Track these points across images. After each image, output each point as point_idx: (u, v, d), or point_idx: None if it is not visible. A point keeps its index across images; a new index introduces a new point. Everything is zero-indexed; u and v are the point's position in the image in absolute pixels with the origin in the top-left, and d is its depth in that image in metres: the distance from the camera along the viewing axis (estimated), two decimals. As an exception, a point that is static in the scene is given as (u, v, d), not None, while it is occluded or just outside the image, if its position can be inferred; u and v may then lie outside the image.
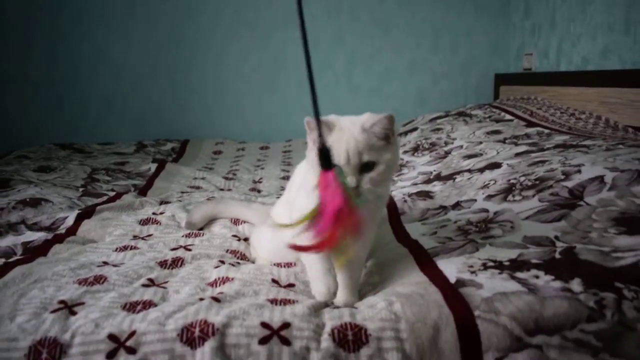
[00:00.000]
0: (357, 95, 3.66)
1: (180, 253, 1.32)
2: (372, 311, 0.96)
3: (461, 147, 2.38)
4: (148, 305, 1.01)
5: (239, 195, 2.04)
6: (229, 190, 2.23)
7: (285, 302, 1.01)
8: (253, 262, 1.38)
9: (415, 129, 2.93)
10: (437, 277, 1.09)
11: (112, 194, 1.92)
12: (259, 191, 2.22)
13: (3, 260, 1.27)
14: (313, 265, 1.09)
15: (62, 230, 1.52)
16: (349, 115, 1.12)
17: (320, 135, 0.99)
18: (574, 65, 3.08)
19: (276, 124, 3.59)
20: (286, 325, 0.93)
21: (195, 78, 3.57)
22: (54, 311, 0.98)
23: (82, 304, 1.01)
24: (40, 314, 0.97)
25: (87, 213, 1.62)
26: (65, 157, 2.71)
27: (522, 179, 1.65)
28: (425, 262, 1.20)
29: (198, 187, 2.26)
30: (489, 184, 1.73)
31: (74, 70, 3.49)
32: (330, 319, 0.95)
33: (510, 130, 2.49)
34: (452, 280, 1.06)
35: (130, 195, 1.89)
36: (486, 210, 1.53)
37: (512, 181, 1.67)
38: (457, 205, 1.66)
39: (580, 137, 2.12)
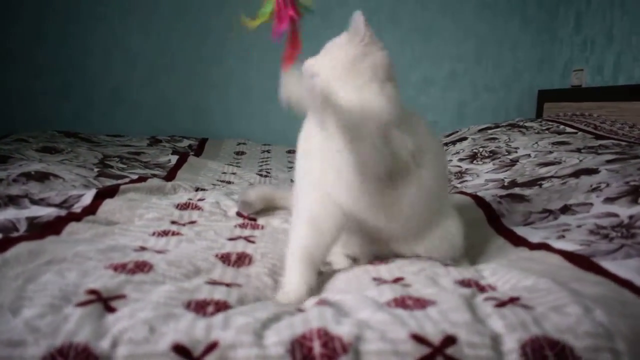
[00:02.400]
0: (394, 104, 3.34)
1: (241, 246, 0.98)
2: (563, 319, 0.64)
3: (529, 155, 2.15)
4: (223, 307, 0.67)
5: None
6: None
7: (418, 303, 0.68)
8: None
9: (464, 139, 2.67)
10: (619, 280, 0.81)
11: (134, 176, 1.57)
12: (300, 190, 1.88)
13: (0, 235, 0.92)
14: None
15: (77, 209, 1.17)
16: None
17: None
18: (635, 80, 2.82)
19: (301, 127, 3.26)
20: (450, 339, 0.59)
21: (217, 74, 3.24)
22: (81, 304, 0.64)
23: (123, 296, 0.68)
24: (59, 306, 0.64)
25: (108, 191, 1.27)
26: (72, 143, 2.37)
27: (645, 180, 1.36)
28: (587, 263, 0.91)
29: (229, 182, 1.92)
30: (599, 187, 1.43)
31: (84, 56, 3.15)
32: (509, 329, 0.62)
33: (579, 141, 2.27)
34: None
35: (157, 180, 1.55)
36: (615, 215, 1.25)
37: (632, 183, 1.38)
38: (567, 209, 1.37)
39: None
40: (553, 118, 2.90)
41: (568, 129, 2.57)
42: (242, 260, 0.91)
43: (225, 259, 0.89)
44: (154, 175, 1.86)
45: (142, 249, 0.89)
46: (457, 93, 3.48)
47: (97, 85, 3.17)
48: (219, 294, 0.72)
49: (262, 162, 2.49)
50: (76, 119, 3.12)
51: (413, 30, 3.38)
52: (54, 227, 1.01)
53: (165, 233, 1.02)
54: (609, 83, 3.03)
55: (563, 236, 1.14)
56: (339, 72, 0.94)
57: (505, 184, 1.82)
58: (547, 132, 2.58)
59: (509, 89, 3.54)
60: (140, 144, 2.66)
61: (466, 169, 2.17)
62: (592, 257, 0.95)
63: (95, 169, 1.68)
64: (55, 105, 3.12)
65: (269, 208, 1.28)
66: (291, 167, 2.36)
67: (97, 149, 2.27)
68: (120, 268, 0.75)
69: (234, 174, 2.05)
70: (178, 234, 1.02)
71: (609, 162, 1.75)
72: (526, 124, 2.77)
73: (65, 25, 3.12)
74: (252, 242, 1.02)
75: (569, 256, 0.96)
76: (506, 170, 2.02)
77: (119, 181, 1.48)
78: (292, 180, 2.03)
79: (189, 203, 1.26)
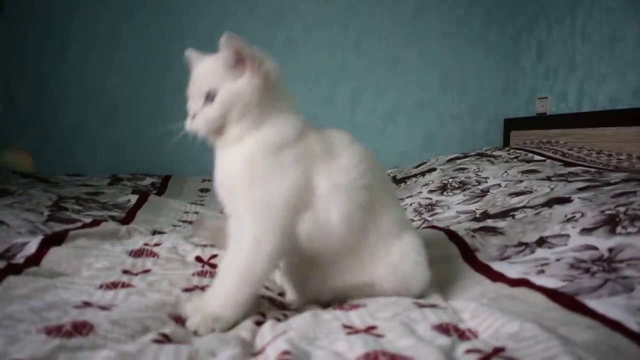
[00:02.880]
0: (360, 134, 3.28)
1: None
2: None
3: (499, 185, 2.13)
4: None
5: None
6: (230, 226, 1.81)
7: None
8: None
9: (433, 169, 2.63)
10: (609, 322, 0.76)
11: (87, 220, 1.46)
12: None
13: None
14: None
15: (19, 259, 1.07)
16: None
17: None
18: (599, 106, 2.85)
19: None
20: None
21: (181, 108, 3.15)
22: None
23: (55, 368, 0.58)
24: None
25: (55, 238, 1.17)
26: (26, 184, 2.24)
27: (622, 209, 1.32)
28: (572, 303, 0.85)
29: (191, 222, 1.82)
30: (574, 217, 1.39)
31: (43, 90, 3.03)
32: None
33: (548, 169, 2.26)
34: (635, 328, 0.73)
35: (111, 223, 1.45)
36: (594, 247, 1.20)
37: (608, 212, 1.33)
38: (543, 242, 1.32)
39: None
40: (521, 146, 2.89)
41: (536, 157, 2.57)
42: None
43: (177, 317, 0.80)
44: (111, 217, 1.76)
45: (86, 304, 0.80)
46: (424, 122, 3.47)
47: (56, 121, 3.05)
48: (166, 356, 0.63)
49: (228, 199, 2.40)
50: (35, 158, 2.98)
51: (378, 60, 3.37)
52: (-12, 281, 0.91)
53: (114, 285, 0.92)
54: (573, 110, 3.05)
55: (543, 271, 1.08)
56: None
57: (477, 215, 1.77)
58: (515, 160, 2.56)
59: (476, 117, 3.55)
60: (100, 183, 2.55)
61: (436, 200, 2.12)
62: (577, 295, 0.89)
63: (46, 213, 1.57)
64: (11, 143, 2.98)
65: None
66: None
67: (53, 189, 2.15)
68: (54, 331, 0.66)
69: (196, 213, 1.96)
70: (128, 285, 0.93)
71: (580, 189, 1.72)
72: (494, 153, 2.75)
73: (24, 60, 3.00)
74: (211, 291, 0.94)
75: (552, 294, 0.91)
76: (477, 201, 1.98)
77: (70, 226, 1.38)
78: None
79: (144, 249, 1.16)
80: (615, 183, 1.70)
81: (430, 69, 3.45)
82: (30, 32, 2.99)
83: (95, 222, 1.43)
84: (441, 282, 1.08)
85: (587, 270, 1.05)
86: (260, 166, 0.87)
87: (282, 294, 1.04)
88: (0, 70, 2.96)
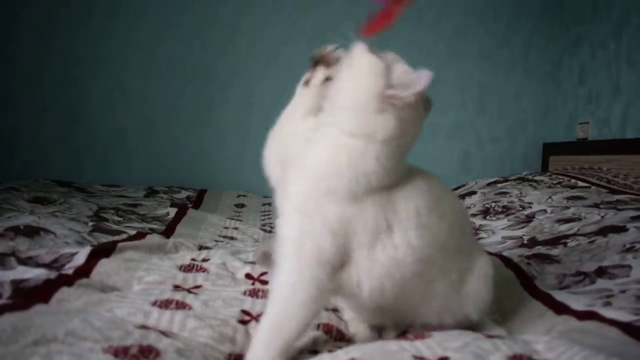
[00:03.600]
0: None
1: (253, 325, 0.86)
2: None
3: (545, 211, 2.06)
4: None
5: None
6: (271, 243, 1.78)
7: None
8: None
9: (473, 192, 2.59)
10: None
11: (132, 232, 1.45)
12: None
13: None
14: None
15: (68, 270, 1.05)
16: None
17: None
18: (645, 133, 2.78)
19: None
20: None
21: (220, 119, 3.16)
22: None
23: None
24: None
25: (104, 250, 1.15)
26: (65, 193, 2.25)
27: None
28: None
29: (232, 238, 1.80)
30: (634, 247, 1.34)
31: (85, 99, 3.06)
32: None
33: (594, 196, 2.19)
34: None
35: (157, 236, 1.43)
36: None
37: (671, 244, 1.27)
38: (603, 272, 1.26)
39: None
40: (562, 172, 2.83)
41: (580, 183, 2.50)
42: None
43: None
44: (152, 230, 1.74)
45: (144, 327, 0.77)
46: (461, 143, 3.42)
47: (95, 130, 3.07)
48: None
49: (264, 215, 2.38)
50: (73, 166, 3.01)
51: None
52: (42, 293, 0.89)
53: (168, 303, 0.89)
54: (616, 136, 2.98)
55: (609, 303, 1.03)
56: None
57: (525, 241, 1.72)
58: (558, 186, 2.50)
59: (514, 141, 3.49)
60: (136, 194, 2.55)
61: (480, 225, 2.07)
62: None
63: (90, 223, 1.56)
64: (51, 151, 3.01)
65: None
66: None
67: (91, 199, 2.16)
68: (121, 353, 0.63)
69: (236, 228, 1.94)
70: (183, 304, 0.90)
71: (634, 218, 1.66)
72: (535, 178, 2.69)
73: (65, 68, 3.03)
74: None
75: (627, 329, 0.85)
76: (523, 227, 1.92)
77: (116, 237, 1.37)
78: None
79: (193, 264, 1.14)
80: (671, 212, 1.65)
81: (468, 90, 3.41)
82: (72, 41, 3.03)
83: (141, 235, 1.41)
84: (501, 311, 1.03)
85: (658, 305, 1.00)
86: None
87: (336, 310, 1.00)
88: (42, 78, 3.00)
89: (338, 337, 0.89)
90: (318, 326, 0.90)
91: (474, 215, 2.20)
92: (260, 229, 1.98)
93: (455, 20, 3.38)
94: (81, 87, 3.05)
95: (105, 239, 1.37)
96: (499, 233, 1.92)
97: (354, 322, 0.97)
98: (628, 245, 1.37)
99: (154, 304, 0.89)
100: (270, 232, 1.97)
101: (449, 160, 3.38)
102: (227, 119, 3.17)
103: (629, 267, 1.24)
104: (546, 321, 0.98)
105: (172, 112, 3.13)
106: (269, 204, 2.68)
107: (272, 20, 3.19)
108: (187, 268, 1.12)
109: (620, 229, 1.56)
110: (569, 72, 3.44)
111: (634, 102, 2.86)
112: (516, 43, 3.46)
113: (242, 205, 2.64)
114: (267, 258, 1.10)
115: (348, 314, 0.98)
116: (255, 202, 2.71)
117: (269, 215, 2.39)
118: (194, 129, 3.15)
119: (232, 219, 2.17)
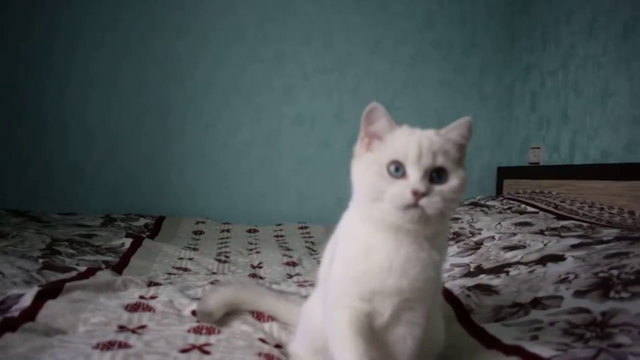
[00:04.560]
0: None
1: (196, 358, 0.89)
2: None
3: (493, 237, 2.13)
4: None
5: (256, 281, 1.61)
6: (224, 274, 1.81)
7: None
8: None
9: (427, 218, 2.63)
10: None
11: (82, 268, 1.46)
12: (261, 277, 1.80)
13: None
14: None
15: (14, 312, 1.07)
16: None
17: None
18: (591, 158, 2.90)
19: (265, 205, 3.19)
20: None
21: (178, 149, 3.18)
22: None
23: None
24: None
25: (51, 291, 1.17)
26: (19, 224, 2.24)
27: (615, 272, 1.34)
28: None
29: (186, 269, 1.83)
30: (567, 278, 1.40)
31: (42, 130, 3.06)
32: None
33: (541, 222, 2.27)
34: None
35: (107, 272, 1.44)
36: (587, 311, 1.20)
37: (601, 275, 1.34)
38: (537, 303, 1.32)
39: (634, 231, 1.86)
40: (514, 196, 2.92)
41: (529, 208, 2.59)
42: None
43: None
44: (106, 263, 1.75)
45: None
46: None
47: (54, 161, 3.06)
48: None
49: (221, 243, 2.40)
50: (32, 197, 2.99)
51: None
52: (-16, 339, 0.90)
53: (110, 345, 0.92)
54: (565, 161, 3.10)
55: (537, 337, 1.09)
56: None
57: (471, 269, 1.78)
58: (509, 211, 2.59)
59: (469, 165, 3.56)
60: (93, 223, 2.54)
61: (431, 251, 2.12)
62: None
63: (41, 260, 1.56)
64: (10, 181, 2.99)
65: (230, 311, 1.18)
66: (251, 250, 2.28)
67: (45, 230, 2.15)
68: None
69: (190, 259, 1.96)
70: (125, 345, 0.92)
71: (573, 247, 1.73)
72: (488, 203, 2.78)
73: (23, 100, 3.03)
74: (207, 352, 0.93)
75: (546, 365, 0.91)
76: (471, 254, 1.99)
77: (65, 275, 1.38)
78: (252, 266, 1.96)
79: (140, 303, 1.16)
80: (608, 241, 1.72)
81: (425, 116, 3.50)
82: (31, 73, 3.03)
83: (91, 271, 1.43)
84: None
85: (580, 337, 1.06)
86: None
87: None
88: (1, 111, 2.99)
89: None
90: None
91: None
92: (215, 259, 2.00)
93: (412, 48, 3.48)
94: (39, 117, 3.05)
95: (54, 277, 1.38)
96: (448, 260, 1.98)
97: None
98: (563, 276, 1.43)
99: (96, 347, 0.91)
100: (224, 262, 1.99)
101: (407, 184, 3.45)
102: (186, 149, 3.20)
103: (561, 297, 1.31)
104: (478, 356, 1.03)
105: (131, 142, 3.15)
106: (228, 231, 2.71)
107: (230, 53, 3.24)
108: (134, 307, 1.14)
109: (558, 258, 1.62)
110: (521, 98, 3.57)
111: (580, 129, 2.98)
112: (472, 71, 3.58)
113: (200, 232, 2.66)
114: (205, 316, 1.11)
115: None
116: (214, 229, 2.73)
117: (226, 243, 2.41)
118: (152, 159, 3.17)
119: (188, 248, 2.19)
